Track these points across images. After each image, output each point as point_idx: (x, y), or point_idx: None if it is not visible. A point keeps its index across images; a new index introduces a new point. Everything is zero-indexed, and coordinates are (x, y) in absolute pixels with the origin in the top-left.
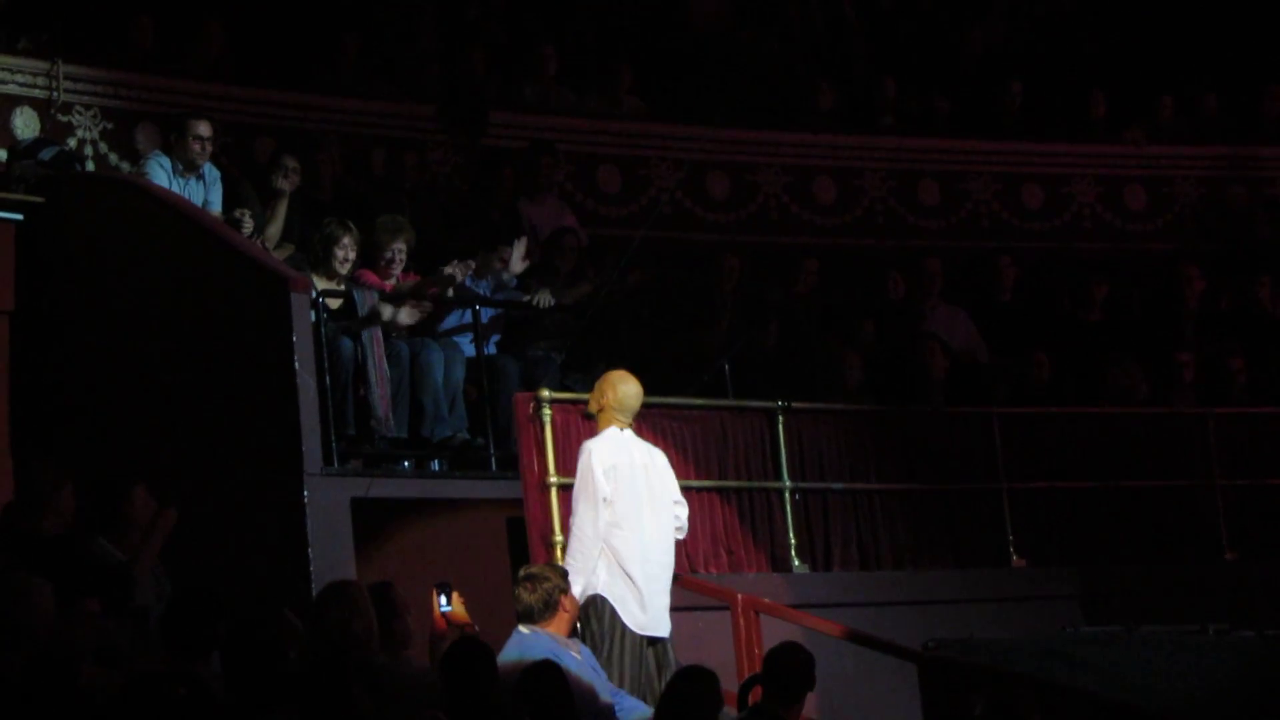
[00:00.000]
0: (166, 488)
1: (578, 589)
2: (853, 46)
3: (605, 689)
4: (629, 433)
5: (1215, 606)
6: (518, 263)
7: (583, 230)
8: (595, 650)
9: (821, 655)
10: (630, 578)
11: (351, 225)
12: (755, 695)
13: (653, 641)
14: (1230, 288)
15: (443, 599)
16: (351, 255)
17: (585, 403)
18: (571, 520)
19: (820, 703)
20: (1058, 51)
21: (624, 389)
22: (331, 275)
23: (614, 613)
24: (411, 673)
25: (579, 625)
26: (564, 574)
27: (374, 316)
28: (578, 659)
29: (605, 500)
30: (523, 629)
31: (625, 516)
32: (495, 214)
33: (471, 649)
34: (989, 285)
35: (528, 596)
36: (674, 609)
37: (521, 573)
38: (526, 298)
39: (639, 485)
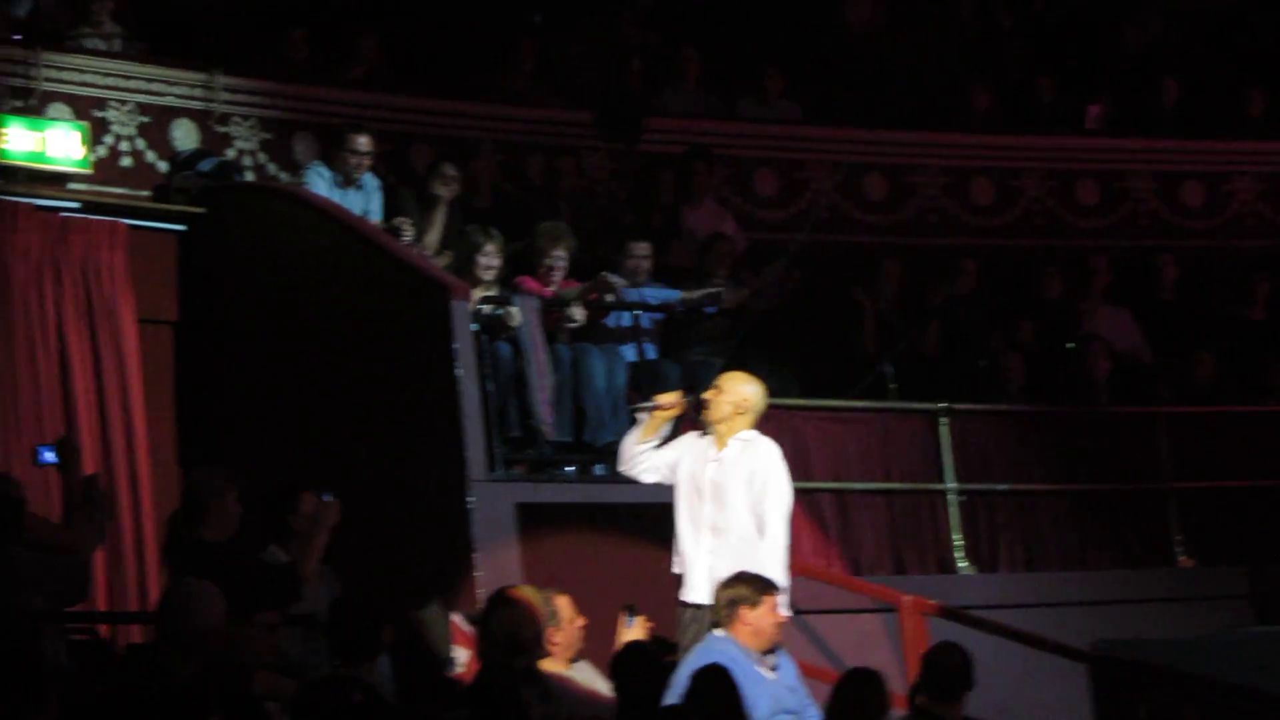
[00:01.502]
0: (332, 495)
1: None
2: (1006, 46)
3: (791, 709)
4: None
5: None
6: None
7: (741, 234)
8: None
9: (989, 657)
10: None
11: (495, 233)
12: (924, 697)
13: None
14: None
15: (629, 620)
16: (495, 263)
17: None
18: (778, 529)
19: (989, 705)
20: (1213, 48)
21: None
22: (475, 283)
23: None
24: (581, 679)
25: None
26: (760, 587)
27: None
28: (765, 673)
29: None
30: (715, 633)
31: None
32: (655, 219)
33: (640, 655)
34: (1150, 284)
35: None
36: (841, 611)
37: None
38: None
39: None
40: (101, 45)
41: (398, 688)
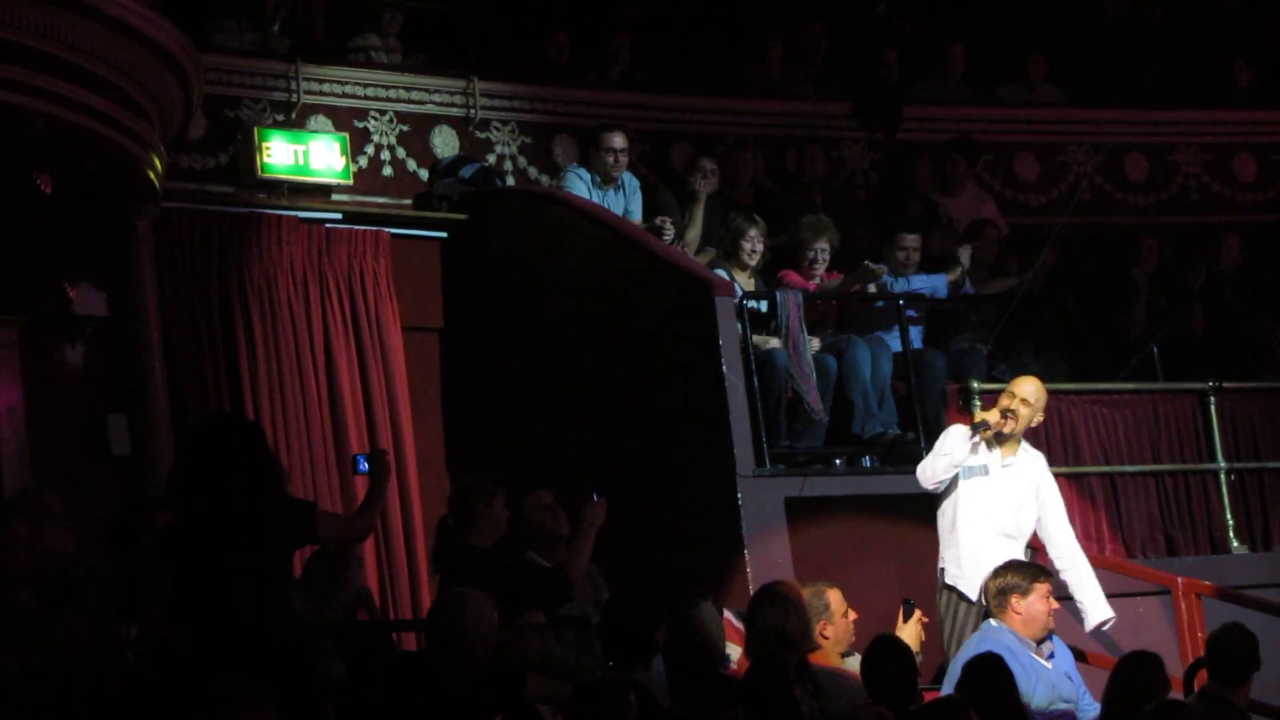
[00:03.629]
0: (605, 496)
1: None
2: (1268, 19)
3: (1069, 697)
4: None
5: None
6: (966, 260)
7: (1003, 220)
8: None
9: (1266, 636)
10: None
11: (758, 219)
12: (1200, 679)
13: None
14: None
15: (905, 615)
16: (759, 247)
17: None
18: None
19: (1266, 685)
20: None
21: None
22: (742, 267)
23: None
24: (851, 674)
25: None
26: (1030, 574)
27: None
28: (1040, 661)
29: None
30: (991, 623)
31: None
32: (914, 208)
33: (889, 647)
34: None
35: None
36: (1114, 595)
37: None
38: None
39: None
40: (374, 56)
41: (672, 688)
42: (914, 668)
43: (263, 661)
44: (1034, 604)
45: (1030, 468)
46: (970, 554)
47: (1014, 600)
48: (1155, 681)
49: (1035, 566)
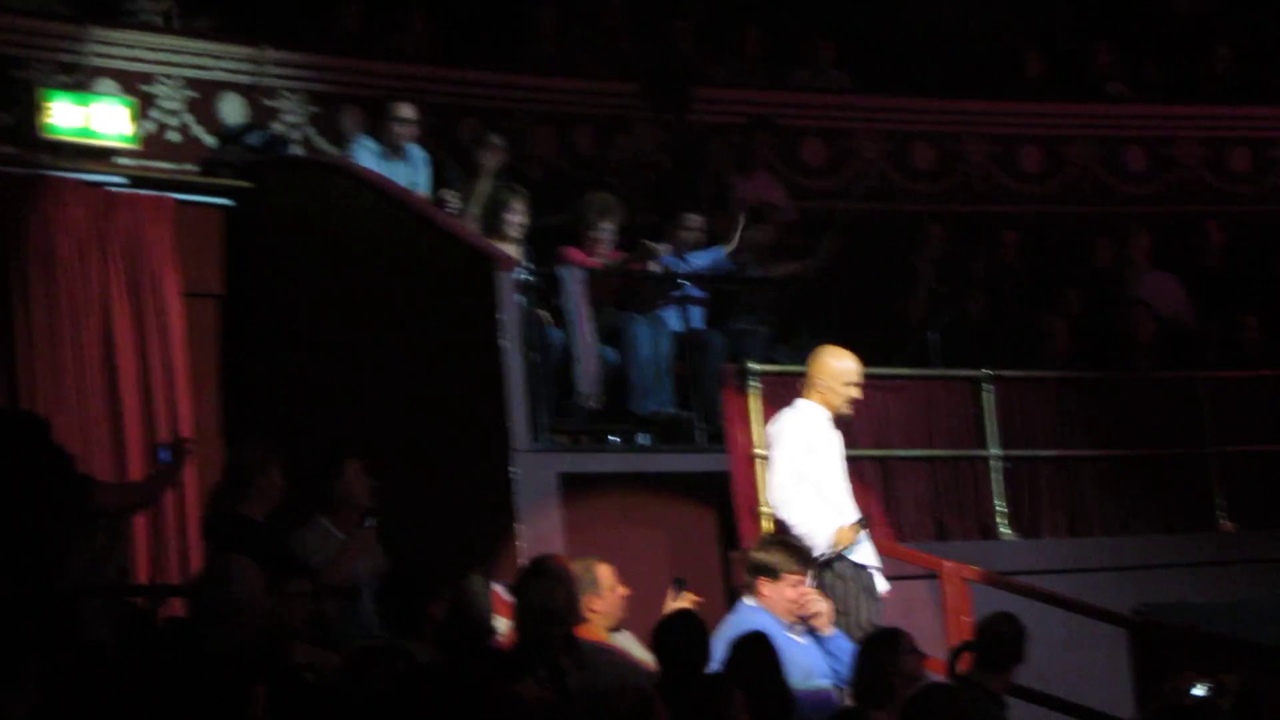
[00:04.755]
0: (378, 465)
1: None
2: (1059, 13)
3: (825, 674)
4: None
5: None
6: (739, 231)
7: (790, 204)
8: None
9: (1031, 622)
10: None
11: (522, 190)
12: (964, 663)
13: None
14: None
15: (675, 594)
16: (523, 220)
17: (792, 375)
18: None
19: (1031, 671)
20: (1265, 14)
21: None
22: (505, 239)
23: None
24: (622, 648)
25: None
26: (783, 562)
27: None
28: (796, 638)
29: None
30: (746, 601)
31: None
32: (704, 189)
33: (682, 623)
34: (1196, 250)
35: (742, 568)
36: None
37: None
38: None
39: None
40: (154, 20)
41: (444, 658)
42: (703, 640)
43: (29, 626)
44: (782, 590)
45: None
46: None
47: (762, 582)
48: (898, 657)
49: (793, 552)
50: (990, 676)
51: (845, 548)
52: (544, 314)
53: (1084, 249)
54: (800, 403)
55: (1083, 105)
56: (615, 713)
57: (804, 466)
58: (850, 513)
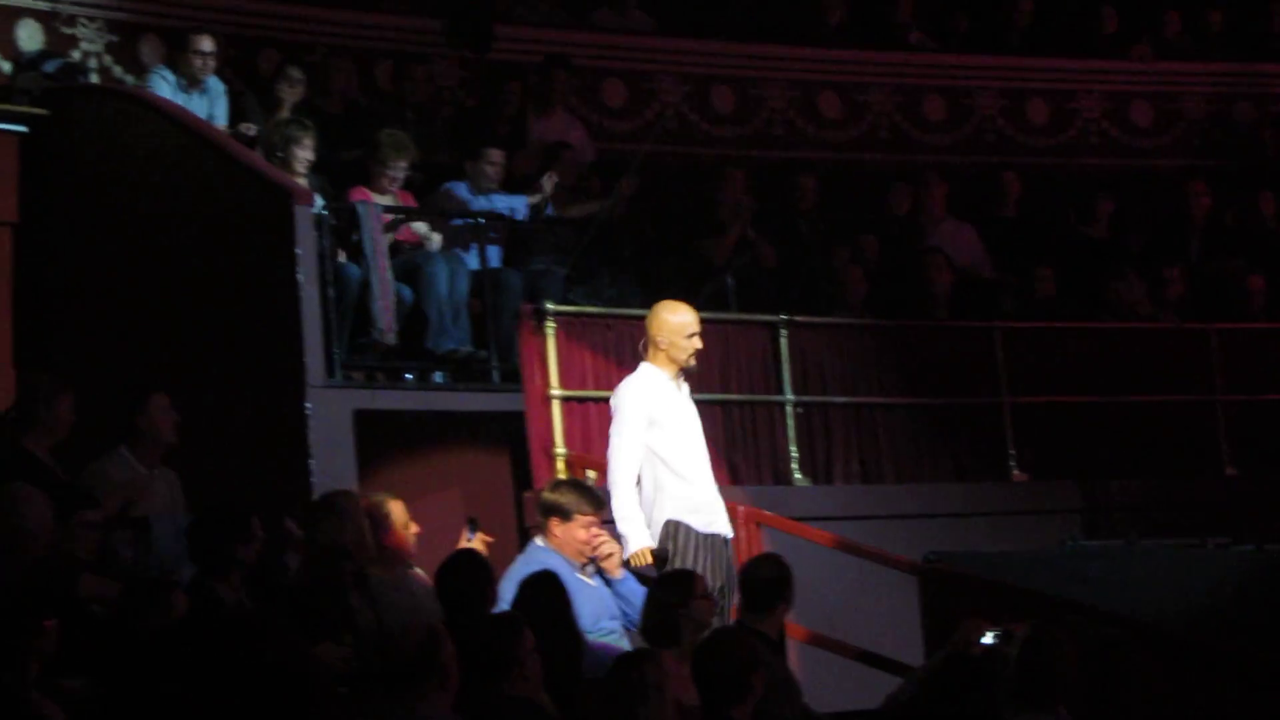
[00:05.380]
0: (177, 398)
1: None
2: None
3: (614, 616)
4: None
5: (1215, 521)
6: (549, 187)
7: (590, 145)
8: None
9: (823, 568)
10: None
11: (311, 125)
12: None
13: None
14: (1235, 204)
15: (468, 533)
16: (311, 157)
17: (589, 315)
18: None
19: (821, 616)
20: None
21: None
22: (293, 174)
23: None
24: (412, 587)
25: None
26: (575, 502)
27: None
28: (585, 580)
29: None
30: (537, 542)
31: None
32: (501, 128)
33: (467, 561)
34: (994, 201)
35: (535, 508)
36: None
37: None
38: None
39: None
40: None
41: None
42: (490, 581)
43: None
44: (573, 530)
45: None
46: (698, 485)
47: (553, 523)
48: (690, 601)
49: (584, 493)
50: (758, 619)
51: (639, 567)
52: (341, 251)
53: (882, 197)
54: (642, 367)
55: (883, 53)
56: (405, 648)
57: (646, 442)
58: (700, 482)
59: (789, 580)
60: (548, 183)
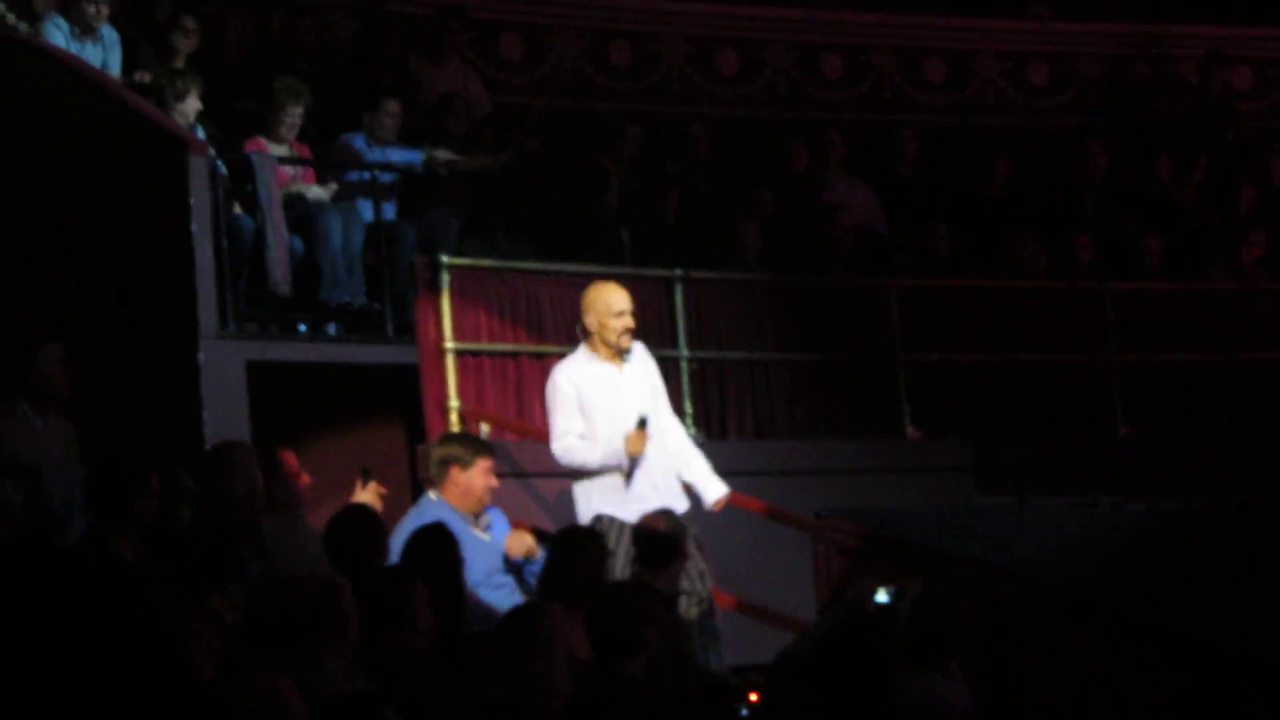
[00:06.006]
0: (69, 349)
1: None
2: None
3: (504, 571)
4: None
5: (1108, 480)
6: (444, 159)
7: (485, 97)
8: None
9: (716, 524)
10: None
11: (199, 79)
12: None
13: None
14: (1132, 165)
15: (361, 483)
16: (199, 106)
17: (483, 269)
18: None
19: (714, 570)
20: None
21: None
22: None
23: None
24: (305, 538)
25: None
26: (474, 449)
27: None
28: (478, 534)
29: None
30: (430, 495)
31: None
32: (385, 75)
33: (356, 514)
34: (890, 158)
35: (429, 461)
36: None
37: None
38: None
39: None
40: None
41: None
42: (381, 535)
43: None
44: (474, 477)
45: (641, 364)
46: (613, 485)
47: (454, 471)
48: (589, 555)
49: (479, 441)
50: (653, 574)
51: (641, 452)
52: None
53: (779, 153)
54: (574, 352)
55: (781, 9)
56: (301, 599)
57: (581, 431)
58: (643, 468)
59: (684, 536)
60: (442, 155)
